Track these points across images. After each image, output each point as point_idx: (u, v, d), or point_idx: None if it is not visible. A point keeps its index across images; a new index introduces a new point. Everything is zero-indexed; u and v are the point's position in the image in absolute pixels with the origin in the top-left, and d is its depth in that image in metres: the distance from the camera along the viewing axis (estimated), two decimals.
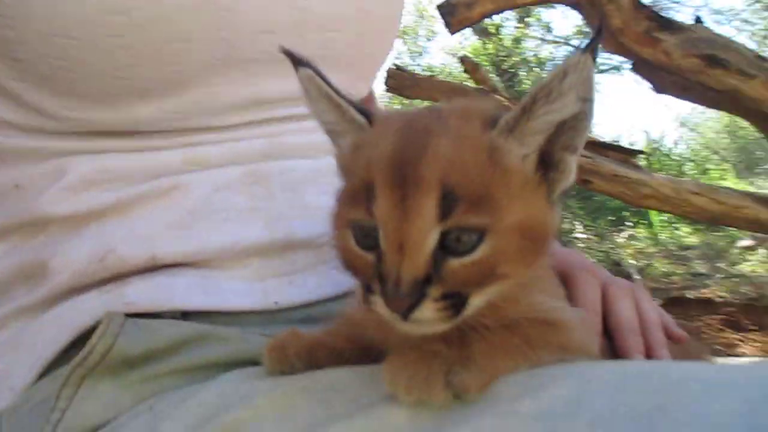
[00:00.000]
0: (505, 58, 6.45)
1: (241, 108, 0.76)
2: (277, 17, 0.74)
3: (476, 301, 0.46)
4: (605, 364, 0.51)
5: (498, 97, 2.38)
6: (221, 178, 0.72)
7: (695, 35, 1.77)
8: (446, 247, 0.44)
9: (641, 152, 2.20)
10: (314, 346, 0.55)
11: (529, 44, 6.87)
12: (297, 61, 0.53)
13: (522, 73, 6.68)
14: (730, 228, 4.08)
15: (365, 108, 0.54)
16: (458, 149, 0.46)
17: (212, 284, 0.68)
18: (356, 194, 0.47)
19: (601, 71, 6.71)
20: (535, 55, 6.98)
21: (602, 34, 0.46)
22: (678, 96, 2.12)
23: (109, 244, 0.68)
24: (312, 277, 0.72)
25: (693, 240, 4.44)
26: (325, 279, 0.72)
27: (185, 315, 0.66)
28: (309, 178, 0.77)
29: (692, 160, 4.52)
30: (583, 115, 0.47)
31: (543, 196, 0.49)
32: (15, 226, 0.71)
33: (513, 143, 0.48)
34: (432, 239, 0.44)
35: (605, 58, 6.90)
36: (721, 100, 1.91)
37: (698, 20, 1.82)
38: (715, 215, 2.01)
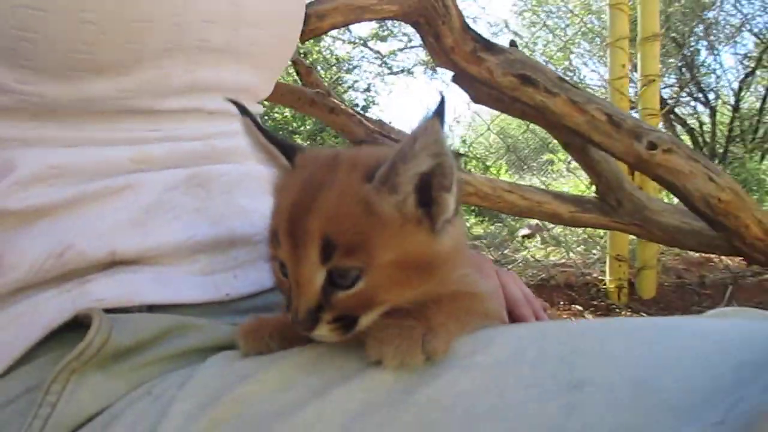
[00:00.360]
0: (304, 56, 6.62)
1: (180, 93, 0.82)
2: (219, 8, 0.80)
3: (365, 321, 0.57)
4: (526, 324, 0.67)
5: (333, 99, 2.52)
6: (169, 179, 0.77)
7: (512, 57, 2.06)
8: (333, 282, 0.56)
9: (462, 155, 2.48)
10: (284, 327, 0.63)
11: (326, 42, 7.11)
12: (242, 110, 0.64)
13: (320, 71, 6.90)
14: (508, 217, 4.68)
15: (293, 148, 0.65)
16: (337, 204, 0.56)
17: (169, 279, 0.72)
18: (272, 236, 0.60)
19: (394, 73, 7.19)
20: (332, 54, 7.23)
21: (445, 103, 0.53)
22: (491, 106, 2.43)
23: (66, 239, 0.67)
24: (252, 271, 0.80)
25: (479, 230, 4.98)
26: (263, 272, 0.79)
27: (150, 309, 0.69)
28: (239, 182, 0.86)
29: (477, 158, 5.07)
30: (440, 166, 0.56)
31: (425, 229, 0.58)
32: None
33: (385, 194, 0.56)
34: (319, 278, 0.56)
35: (399, 60, 7.38)
36: (528, 112, 2.24)
37: (513, 44, 2.13)
38: (522, 209, 2.36)
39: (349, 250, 0.55)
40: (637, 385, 0.48)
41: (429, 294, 0.59)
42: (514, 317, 0.86)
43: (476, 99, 2.43)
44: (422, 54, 7.15)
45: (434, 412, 0.50)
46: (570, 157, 2.57)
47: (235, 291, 0.77)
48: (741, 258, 3.21)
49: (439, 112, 0.53)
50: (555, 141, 2.73)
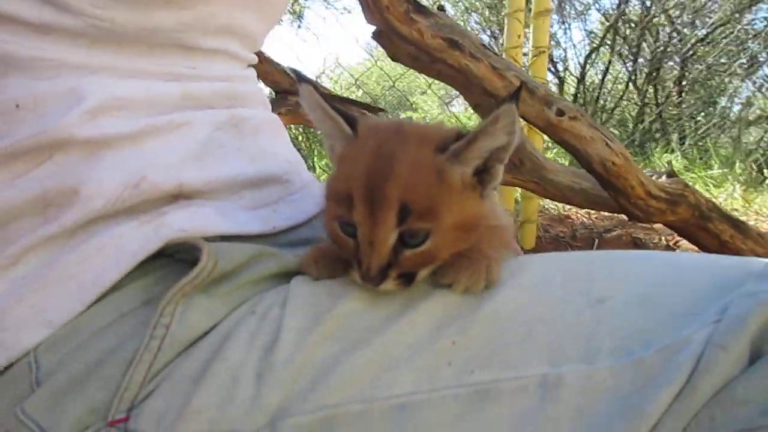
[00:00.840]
0: None
1: (216, 33, 0.86)
2: None
3: (422, 275, 0.66)
4: (541, 256, 0.77)
5: None
6: (213, 118, 0.83)
7: (441, 21, 2.19)
8: (403, 241, 0.64)
9: (382, 110, 2.60)
10: (339, 255, 0.70)
11: None
12: (300, 78, 0.71)
13: None
14: None
15: (353, 117, 0.71)
16: (414, 173, 0.64)
17: (227, 213, 0.78)
18: (341, 199, 0.66)
19: None
20: None
21: (522, 89, 0.67)
22: (408, 65, 2.55)
23: (139, 171, 0.71)
24: (285, 208, 0.88)
25: None
26: (294, 209, 0.88)
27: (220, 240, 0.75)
28: (262, 126, 0.94)
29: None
30: (509, 143, 0.67)
31: (477, 194, 0.69)
32: (22, 151, 0.68)
33: (456, 165, 0.67)
34: (392, 239, 0.64)
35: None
36: (444, 73, 2.38)
37: (441, 8, 2.26)
38: None
39: (422, 214, 0.64)
40: (644, 299, 0.61)
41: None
42: None
43: (394, 57, 2.54)
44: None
45: (499, 321, 0.61)
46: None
47: (279, 224, 0.84)
48: (596, 216, 3.68)
49: (516, 96, 0.64)
50: (414, 100, 2.90)
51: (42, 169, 0.68)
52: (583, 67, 6.61)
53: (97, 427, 0.60)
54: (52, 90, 0.69)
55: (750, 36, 5.94)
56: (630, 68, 6.63)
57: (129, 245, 0.68)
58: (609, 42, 6.51)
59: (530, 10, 3.06)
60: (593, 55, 6.64)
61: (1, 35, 0.67)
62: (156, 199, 0.73)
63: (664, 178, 2.36)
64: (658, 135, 6.28)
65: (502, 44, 3.18)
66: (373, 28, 2.28)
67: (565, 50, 6.79)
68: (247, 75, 0.96)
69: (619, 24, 6.38)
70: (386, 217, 0.63)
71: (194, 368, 0.61)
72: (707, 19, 5.97)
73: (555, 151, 5.17)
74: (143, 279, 0.70)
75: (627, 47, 6.46)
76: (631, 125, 6.55)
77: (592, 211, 3.63)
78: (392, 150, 0.65)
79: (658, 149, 5.71)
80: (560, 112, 2.17)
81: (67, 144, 0.68)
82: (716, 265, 0.64)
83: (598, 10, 6.51)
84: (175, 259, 0.71)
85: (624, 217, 2.36)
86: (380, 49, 2.44)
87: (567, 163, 3.76)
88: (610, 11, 6.46)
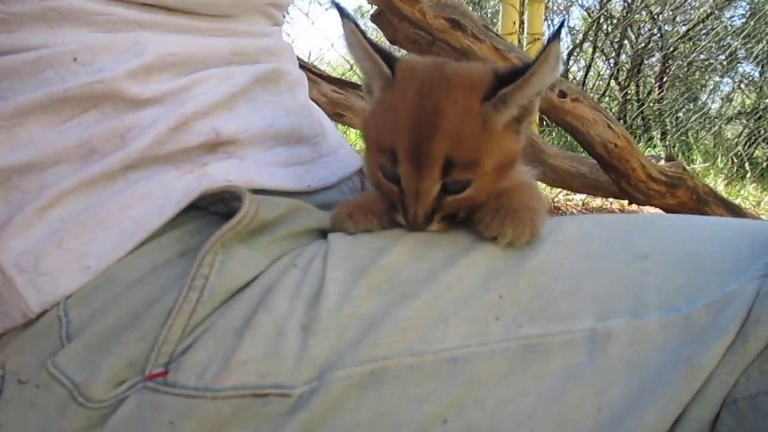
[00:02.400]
0: None
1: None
2: None
3: (462, 214, 0.68)
4: (574, 216, 0.82)
5: None
6: (257, 72, 0.83)
7: (443, 1, 2.18)
8: (446, 190, 0.65)
9: None
10: (373, 208, 0.70)
11: None
12: (343, 14, 0.69)
13: None
14: None
15: (392, 57, 0.70)
16: (460, 128, 0.64)
17: (266, 168, 0.77)
18: (384, 150, 0.66)
19: None
20: None
21: (563, 26, 0.73)
22: (407, 48, 2.53)
23: (179, 117, 0.70)
24: (317, 168, 0.87)
25: None
26: (326, 170, 0.88)
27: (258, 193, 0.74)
28: (298, 82, 0.93)
29: None
30: (554, 78, 0.67)
31: (514, 131, 0.69)
32: (73, 97, 0.66)
33: (502, 110, 0.66)
34: (436, 189, 0.65)
35: None
36: (443, 56, 2.37)
37: None
38: None
39: (465, 166, 0.64)
40: (686, 256, 0.61)
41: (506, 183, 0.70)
42: None
43: (392, 40, 2.52)
44: None
45: (544, 275, 0.61)
46: None
47: (313, 184, 0.82)
48: (585, 198, 3.69)
49: (557, 34, 0.63)
50: None
51: (87, 117, 0.67)
52: (567, 63, 6.67)
53: (134, 381, 0.57)
54: (111, 42, 0.68)
55: (729, 32, 6.03)
56: (612, 64, 6.70)
57: (173, 193, 0.67)
58: (591, 38, 6.57)
59: None
60: (576, 52, 6.69)
61: None
62: (195, 147, 0.71)
63: (662, 162, 2.37)
64: (640, 131, 6.35)
65: (497, 31, 3.17)
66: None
67: None
68: (280, 31, 0.96)
69: (601, 20, 6.44)
70: (431, 172, 0.64)
71: (237, 320, 0.59)
72: (688, 16, 6.05)
73: (549, 137, 5.18)
74: (177, 230, 0.68)
75: (609, 43, 6.53)
76: None
77: (581, 204, 3.65)
78: (436, 101, 0.64)
79: (641, 144, 5.78)
80: (563, 94, 2.17)
81: (116, 97, 0.67)
82: (752, 226, 0.65)
83: (581, 6, 6.56)
84: (210, 211, 0.69)
85: (615, 208, 2.37)
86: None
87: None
88: (593, 8, 6.53)
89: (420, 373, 0.56)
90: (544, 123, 2.78)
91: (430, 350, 0.57)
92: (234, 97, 0.77)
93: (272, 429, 0.55)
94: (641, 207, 2.41)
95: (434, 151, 0.63)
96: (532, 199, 0.69)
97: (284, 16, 0.98)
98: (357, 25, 0.68)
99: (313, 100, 0.97)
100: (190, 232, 0.68)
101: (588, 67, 6.70)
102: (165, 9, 0.73)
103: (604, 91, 6.73)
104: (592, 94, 6.55)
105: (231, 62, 0.79)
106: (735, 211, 2.41)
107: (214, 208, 0.68)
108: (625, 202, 2.40)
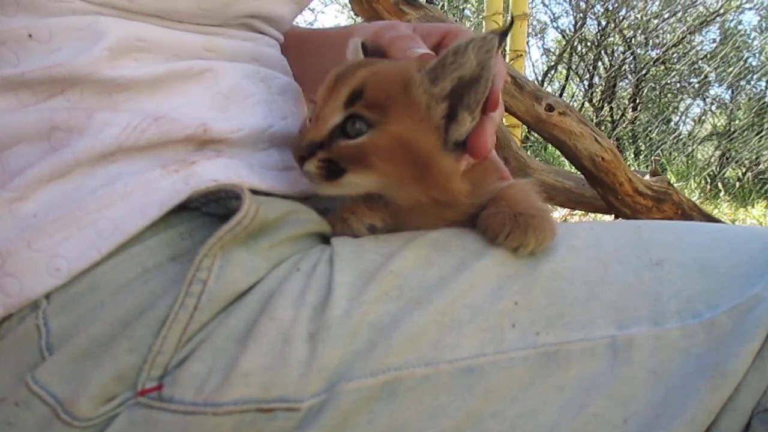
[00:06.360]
0: None
1: (242, 17, 0.82)
2: None
3: (350, 180, 0.63)
4: (583, 223, 0.79)
5: None
6: (241, 69, 0.77)
7: (430, 13, 2.17)
8: (343, 131, 0.63)
9: None
10: (383, 207, 0.67)
11: None
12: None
13: None
14: None
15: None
16: (385, 71, 0.64)
17: (258, 169, 0.72)
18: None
19: None
20: None
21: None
22: None
23: (158, 110, 0.66)
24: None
25: None
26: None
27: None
28: (287, 88, 0.88)
29: None
30: (478, 80, 0.61)
31: (436, 136, 0.64)
32: (33, 81, 0.62)
33: (426, 82, 0.62)
34: (336, 118, 0.63)
35: None
36: None
37: (430, 0, 2.23)
38: None
39: (372, 105, 0.62)
40: (701, 262, 0.60)
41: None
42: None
43: None
44: None
45: (559, 281, 0.59)
46: None
47: (305, 189, 0.78)
48: (565, 213, 3.69)
49: (504, 33, 0.60)
50: None
51: (52, 102, 0.62)
52: (542, 84, 6.75)
53: (125, 397, 0.52)
54: (67, 25, 0.64)
55: (701, 57, 6.18)
56: (586, 86, 6.80)
57: (156, 193, 0.61)
58: (566, 61, 6.68)
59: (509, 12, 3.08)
60: (550, 73, 6.79)
61: None
62: (180, 141, 0.66)
63: (648, 177, 2.38)
64: None
65: None
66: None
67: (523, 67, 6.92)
68: (272, 43, 0.90)
69: (576, 43, 6.55)
70: (339, 94, 0.64)
71: (238, 328, 0.54)
72: (661, 40, 6.18)
73: (528, 151, 5.21)
74: (166, 233, 0.62)
75: (584, 65, 6.63)
76: None
77: (566, 217, 3.65)
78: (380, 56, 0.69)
79: None
80: (550, 108, 2.16)
81: (83, 82, 0.63)
82: (762, 231, 0.64)
83: (556, 29, 6.67)
84: (202, 212, 0.64)
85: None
86: None
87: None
88: (568, 31, 6.64)
89: (435, 385, 0.54)
90: (529, 139, 2.78)
91: (444, 359, 0.54)
92: (227, 92, 0.73)
93: None
94: None
95: (350, 77, 0.64)
96: (538, 199, 0.66)
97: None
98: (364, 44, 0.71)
99: None
100: (181, 235, 0.62)
101: (562, 89, 6.80)
102: (126, 11, 0.69)
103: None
104: None
105: (205, 57, 0.74)
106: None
107: (207, 209, 0.63)
108: (607, 217, 2.39)
